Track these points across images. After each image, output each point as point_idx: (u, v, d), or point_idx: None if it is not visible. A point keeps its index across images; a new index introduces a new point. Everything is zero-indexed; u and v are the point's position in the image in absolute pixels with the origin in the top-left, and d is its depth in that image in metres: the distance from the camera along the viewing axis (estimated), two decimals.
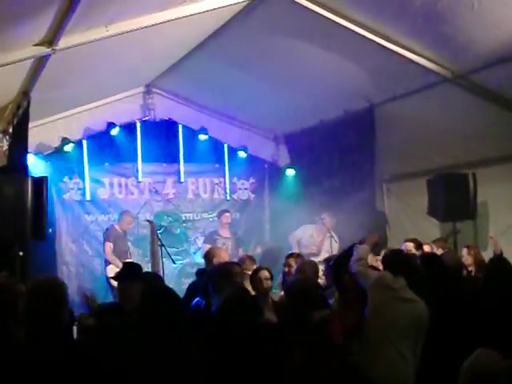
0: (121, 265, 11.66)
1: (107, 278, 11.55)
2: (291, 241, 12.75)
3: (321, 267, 8.48)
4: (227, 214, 13.46)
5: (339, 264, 6.89)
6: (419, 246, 9.59)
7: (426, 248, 9.77)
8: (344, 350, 5.49)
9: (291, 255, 9.19)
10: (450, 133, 10.71)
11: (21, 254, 8.91)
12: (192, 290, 8.17)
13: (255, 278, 7.59)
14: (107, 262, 12.29)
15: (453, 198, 10.63)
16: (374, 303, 6.08)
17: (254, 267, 8.43)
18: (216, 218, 13.84)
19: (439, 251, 9.74)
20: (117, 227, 12.80)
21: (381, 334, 5.87)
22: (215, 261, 8.78)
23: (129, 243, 13.01)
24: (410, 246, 9.50)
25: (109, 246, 12.39)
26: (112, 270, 11.39)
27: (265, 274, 7.70)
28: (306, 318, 5.35)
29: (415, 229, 11.85)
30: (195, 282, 8.64)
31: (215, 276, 6.94)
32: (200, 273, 8.85)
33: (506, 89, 9.58)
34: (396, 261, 6.50)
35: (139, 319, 5.01)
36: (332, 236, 12.33)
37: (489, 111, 9.91)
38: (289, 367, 4.94)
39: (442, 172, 11.05)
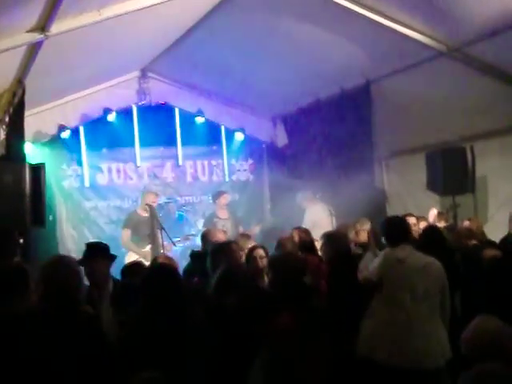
0: (141, 251, 11.72)
1: None
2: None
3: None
4: (225, 195, 13.41)
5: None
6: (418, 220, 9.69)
7: (424, 223, 9.81)
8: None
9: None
10: (448, 107, 10.68)
11: (21, 241, 8.90)
12: (188, 272, 8.20)
13: (250, 256, 7.62)
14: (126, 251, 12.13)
15: (452, 172, 10.63)
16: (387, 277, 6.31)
17: (250, 245, 8.46)
18: (212, 201, 13.77)
19: (442, 224, 9.77)
20: (139, 211, 12.57)
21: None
22: (211, 240, 8.83)
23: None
24: (412, 220, 9.55)
25: (125, 233, 12.20)
26: (130, 258, 11.20)
27: (260, 252, 7.73)
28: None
29: (415, 204, 11.87)
30: (190, 264, 8.68)
31: (212, 254, 7.00)
32: (194, 255, 8.89)
33: (502, 61, 9.56)
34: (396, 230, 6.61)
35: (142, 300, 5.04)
36: (331, 212, 12.34)
37: (485, 84, 9.88)
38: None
39: (441, 146, 11.03)
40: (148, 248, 11.83)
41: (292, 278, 5.53)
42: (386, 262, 6.45)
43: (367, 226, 10.07)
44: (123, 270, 7.48)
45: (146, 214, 12.40)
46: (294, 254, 7.37)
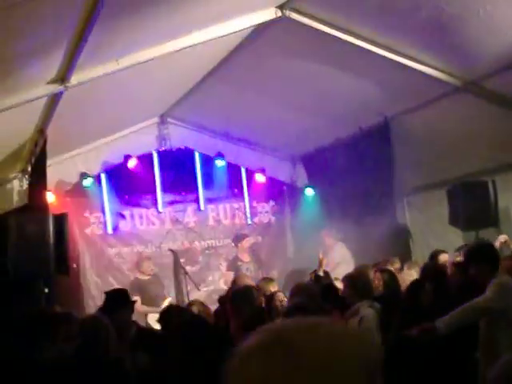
0: (158, 310, 11.72)
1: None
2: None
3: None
4: (248, 239, 13.45)
5: None
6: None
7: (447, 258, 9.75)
8: None
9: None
10: (466, 141, 10.67)
11: (46, 290, 8.97)
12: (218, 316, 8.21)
13: (271, 300, 7.65)
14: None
15: (473, 206, 10.56)
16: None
17: (272, 288, 8.45)
18: (233, 244, 13.79)
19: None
20: (140, 277, 12.74)
21: None
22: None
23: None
24: (446, 257, 9.51)
25: (136, 300, 12.29)
26: (153, 319, 11.15)
27: (280, 296, 7.80)
28: None
29: (438, 240, 11.79)
30: (219, 309, 8.69)
31: (235, 300, 7.00)
32: (222, 300, 8.91)
33: None
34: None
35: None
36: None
37: (503, 116, 9.87)
38: None
39: (461, 181, 11.00)
40: (167, 302, 11.79)
41: None
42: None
43: (397, 265, 10.05)
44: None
45: (146, 277, 12.51)
46: None
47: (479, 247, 7.11)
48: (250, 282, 9.47)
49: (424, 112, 10.91)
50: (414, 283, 7.54)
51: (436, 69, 9.62)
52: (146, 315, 11.86)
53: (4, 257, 8.69)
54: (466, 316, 6.19)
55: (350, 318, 7.51)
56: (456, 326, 6.12)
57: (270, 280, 9.65)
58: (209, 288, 12.94)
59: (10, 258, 8.70)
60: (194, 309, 8.20)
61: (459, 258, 9.62)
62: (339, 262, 12.11)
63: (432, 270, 7.86)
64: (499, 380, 3.27)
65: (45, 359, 4.69)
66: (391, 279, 8.83)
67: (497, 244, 9.79)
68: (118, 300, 7.00)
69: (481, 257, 6.59)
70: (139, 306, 12.01)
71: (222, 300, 9.02)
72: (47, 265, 8.82)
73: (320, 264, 10.69)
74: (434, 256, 9.84)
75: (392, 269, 9.67)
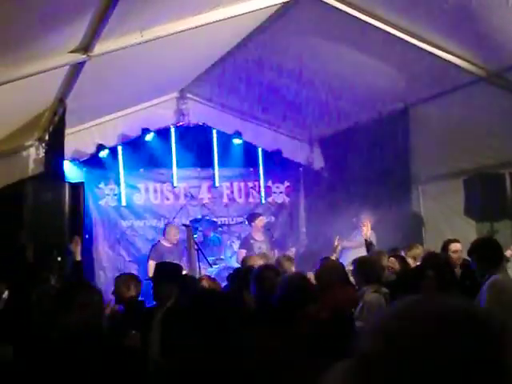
0: None
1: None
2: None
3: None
4: (261, 218, 13.46)
5: None
6: None
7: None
8: None
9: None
10: (486, 132, 10.62)
11: (59, 259, 9.00)
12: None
13: None
14: None
15: (489, 198, 10.52)
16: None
17: (293, 268, 8.46)
18: (247, 223, 13.82)
19: None
20: (163, 242, 12.80)
21: None
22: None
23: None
24: (458, 246, 9.49)
25: (151, 264, 12.35)
26: None
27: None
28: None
29: (451, 229, 11.74)
30: (226, 286, 8.72)
31: (257, 279, 7.00)
32: (232, 278, 8.94)
33: None
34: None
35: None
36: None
37: None
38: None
39: (478, 172, 10.95)
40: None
41: None
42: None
43: (419, 250, 10.04)
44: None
45: (169, 245, 12.58)
46: None
47: (481, 242, 7.11)
48: (260, 261, 9.48)
49: (444, 101, 10.84)
50: (416, 270, 7.52)
51: (459, 57, 9.54)
52: None
53: (19, 224, 8.72)
54: None
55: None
56: None
57: (289, 258, 9.69)
58: (220, 265, 12.94)
59: (25, 225, 8.73)
60: (204, 283, 8.26)
61: None
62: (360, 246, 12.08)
63: (434, 258, 7.84)
64: None
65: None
66: (403, 265, 8.88)
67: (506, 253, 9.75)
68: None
69: (480, 252, 6.60)
70: (153, 271, 12.09)
71: (230, 277, 9.07)
72: (61, 233, 8.85)
73: (334, 250, 10.77)
74: (446, 245, 9.81)
75: (416, 253, 9.72)
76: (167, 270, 7.35)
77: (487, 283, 6.22)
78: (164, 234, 12.87)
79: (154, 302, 7.12)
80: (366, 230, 10.89)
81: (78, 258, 8.89)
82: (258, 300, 6.65)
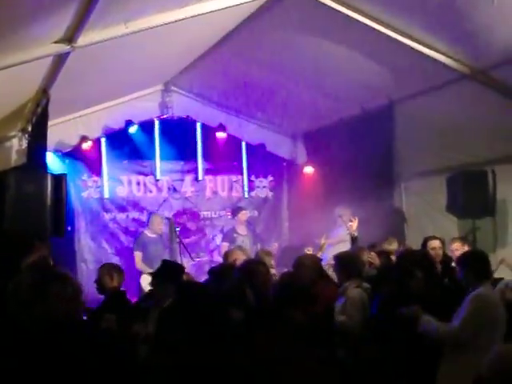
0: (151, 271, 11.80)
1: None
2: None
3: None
4: (244, 212, 13.50)
5: None
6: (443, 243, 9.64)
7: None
8: None
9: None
10: (470, 130, 10.66)
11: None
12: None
13: None
14: (140, 272, 12.18)
15: (472, 195, 10.57)
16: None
17: (272, 262, 8.47)
18: (230, 216, 13.83)
19: (465, 248, 9.62)
20: (147, 233, 12.79)
21: None
22: (236, 263, 8.87)
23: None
24: (436, 244, 9.54)
25: (137, 255, 12.37)
26: (145, 280, 11.21)
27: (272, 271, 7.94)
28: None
29: (433, 226, 11.80)
30: (208, 281, 8.70)
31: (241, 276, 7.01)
32: (213, 272, 8.92)
33: None
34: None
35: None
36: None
37: (508, 107, 9.85)
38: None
39: (461, 169, 10.99)
40: None
41: None
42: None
43: (395, 245, 10.09)
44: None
45: (153, 235, 12.57)
46: None
47: (469, 254, 7.18)
48: (242, 255, 9.48)
49: (429, 97, 10.86)
50: (404, 270, 7.55)
51: (445, 55, 9.56)
52: (140, 273, 11.94)
53: (1, 214, 8.66)
54: (440, 337, 6.30)
55: (339, 298, 7.61)
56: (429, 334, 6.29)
57: (268, 252, 9.70)
58: (202, 259, 12.94)
59: (6, 216, 8.67)
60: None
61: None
62: (342, 241, 12.11)
63: (422, 257, 7.86)
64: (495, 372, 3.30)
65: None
66: (385, 260, 8.94)
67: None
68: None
69: (468, 263, 6.64)
70: (139, 263, 12.11)
71: (211, 271, 9.06)
72: (43, 225, 8.80)
73: (320, 248, 10.82)
74: (425, 242, 9.86)
75: (389, 248, 9.77)
76: (170, 270, 7.36)
77: (471, 295, 6.26)
78: (148, 224, 12.84)
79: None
80: (354, 226, 10.92)
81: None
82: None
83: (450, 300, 6.65)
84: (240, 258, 9.11)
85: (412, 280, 6.87)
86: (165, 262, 8.11)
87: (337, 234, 12.55)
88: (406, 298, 6.62)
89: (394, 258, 9.05)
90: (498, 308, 6.28)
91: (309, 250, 10.71)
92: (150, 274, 8.17)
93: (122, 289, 8.20)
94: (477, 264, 6.55)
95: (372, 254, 9.27)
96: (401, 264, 7.50)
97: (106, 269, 8.23)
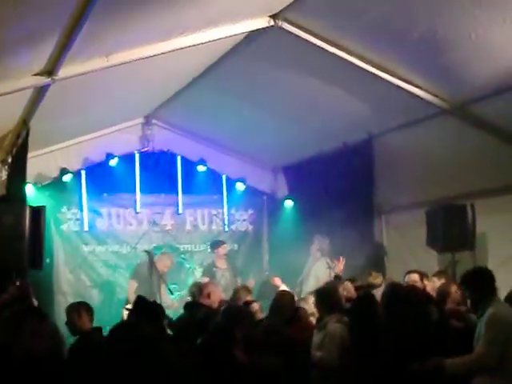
0: None
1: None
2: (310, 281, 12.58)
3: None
4: (224, 245, 13.44)
5: None
6: (422, 277, 9.62)
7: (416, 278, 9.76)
8: None
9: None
10: (449, 164, 10.73)
11: (18, 283, 8.87)
12: (185, 325, 8.18)
13: None
14: (127, 300, 12.01)
15: (451, 229, 10.60)
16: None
17: (248, 298, 8.47)
18: (210, 250, 13.77)
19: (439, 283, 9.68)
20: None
21: None
22: (212, 297, 8.86)
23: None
24: (415, 277, 9.52)
25: (131, 285, 12.21)
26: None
27: (255, 307, 7.91)
28: None
29: (414, 260, 11.81)
30: (185, 316, 8.67)
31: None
32: (189, 307, 8.91)
33: (504, 120, 9.62)
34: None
35: None
36: (329, 265, 12.20)
37: (487, 142, 9.93)
38: None
39: (441, 203, 11.04)
40: None
41: None
42: None
43: (379, 280, 10.09)
44: None
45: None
46: None
47: (473, 272, 7.13)
48: (218, 290, 9.49)
49: (409, 132, 10.95)
50: (364, 299, 7.58)
51: (424, 90, 9.66)
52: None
53: None
54: (472, 370, 6.32)
55: (318, 332, 7.60)
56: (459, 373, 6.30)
57: (247, 288, 9.70)
58: (181, 292, 12.87)
59: None
60: None
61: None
62: (316, 278, 12.10)
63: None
64: None
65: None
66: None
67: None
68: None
69: (473, 282, 6.64)
70: (131, 293, 11.95)
71: (187, 306, 9.07)
72: (21, 257, 8.72)
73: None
74: (404, 276, 9.90)
75: (374, 283, 9.77)
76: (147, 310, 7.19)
77: (487, 317, 6.27)
78: (153, 261, 12.50)
79: None
80: (340, 266, 10.98)
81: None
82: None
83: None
84: (214, 291, 9.12)
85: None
86: (140, 299, 7.72)
87: (315, 268, 12.53)
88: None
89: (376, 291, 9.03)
90: None
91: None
92: (127, 309, 8.01)
93: (97, 326, 7.99)
94: (481, 281, 6.55)
95: (347, 284, 9.30)
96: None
97: (72, 308, 8.06)
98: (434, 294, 8.79)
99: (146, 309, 7.15)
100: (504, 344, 6.12)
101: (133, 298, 11.37)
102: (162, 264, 12.56)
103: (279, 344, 6.91)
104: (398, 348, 6.36)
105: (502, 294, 8.58)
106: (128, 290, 12.23)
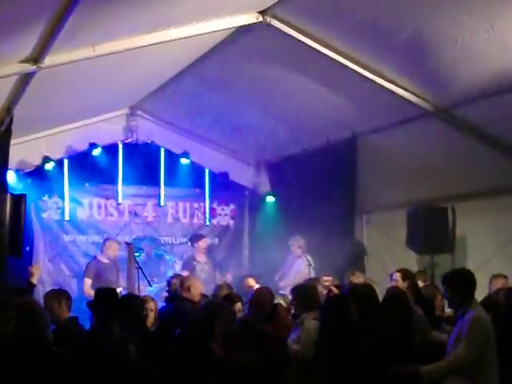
0: None
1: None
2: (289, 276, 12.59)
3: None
4: (204, 239, 13.39)
5: None
6: (406, 277, 9.59)
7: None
8: None
9: None
10: (432, 166, 10.77)
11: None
12: (167, 317, 8.18)
13: None
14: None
15: (431, 231, 10.65)
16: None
17: (239, 303, 8.46)
18: (190, 244, 13.73)
19: (420, 284, 9.71)
20: (100, 258, 12.52)
21: None
22: (192, 290, 8.86)
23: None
24: (398, 277, 9.54)
25: (87, 282, 12.13)
26: None
27: (238, 306, 7.95)
28: None
29: (393, 260, 11.82)
30: (166, 307, 8.67)
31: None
32: (170, 299, 8.92)
33: (487, 123, 9.68)
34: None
35: None
36: (308, 260, 12.21)
37: (470, 145, 10.00)
38: None
39: (422, 204, 11.08)
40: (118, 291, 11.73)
41: None
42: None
43: (361, 279, 10.09)
44: None
45: (106, 260, 12.41)
46: None
47: (457, 273, 7.14)
48: (199, 283, 9.47)
49: (393, 132, 11.01)
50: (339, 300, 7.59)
51: (409, 91, 9.73)
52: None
53: None
54: (450, 372, 6.30)
55: (295, 329, 7.62)
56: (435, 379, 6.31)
57: (229, 286, 9.75)
58: (160, 284, 12.86)
59: None
60: (151, 305, 8.14)
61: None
62: (298, 274, 12.11)
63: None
64: None
65: None
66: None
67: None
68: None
69: (454, 282, 6.66)
70: (88, 289, 11.90)
71: (169, 299, 9.08)
72: (1, 245, 8.71)
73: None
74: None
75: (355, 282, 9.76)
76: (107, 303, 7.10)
77: (470, 319, 6.28)
78: (102, 249, 12.68)
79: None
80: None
81: (35, 281, 9.26)
82: None
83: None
84: (194, 284, 9.12)
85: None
86: (98, 291, 7.56)
87: (296, 264, 12.55)
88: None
89: None
90: (491, 327, 6.31)
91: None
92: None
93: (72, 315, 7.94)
94: (464, 283, 6.58)
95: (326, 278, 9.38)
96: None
97: (53, 296, 7.86)
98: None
99: (110, 303, 7.05)
100: (484, 346, 6.17)
101: (90, 294, 11.27)
102: (112, 250, 12.55)
103: (254, 338, 6.92)
104: (378, 350, 6.37)
105: (480, 297, 8.66)
106: (84, 288, 12.02)
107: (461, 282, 6.61)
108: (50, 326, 5.36)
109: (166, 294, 9.95)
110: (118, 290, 11.23)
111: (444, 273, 7.08)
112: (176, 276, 10.57)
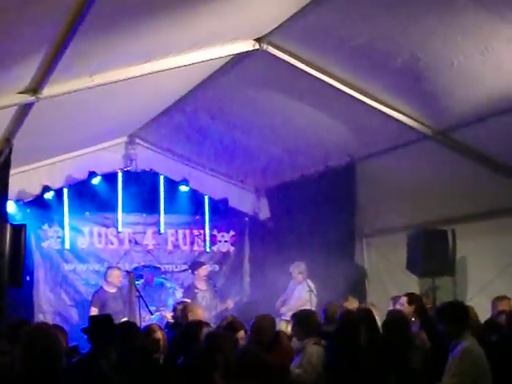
0: None
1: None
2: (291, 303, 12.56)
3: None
4: (205, 267, 13.36)
5: None
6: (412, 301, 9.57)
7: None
8: None
9: None
10: (431, 189, 10.80)
11: None
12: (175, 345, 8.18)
13: None
14: None
15: (431, 254, 10.63)
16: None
17: (241, 332, 8.42)
18: (190, 271, 13.69)
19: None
20: (106, 288, 12.46)
21: None
22: (190, 316, 8.85)
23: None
24: (404, 301, 9.52)
25: (93, 311, 12.09)
26: None
27: (241, 334, 7.95)
28: None
29: (394, 283, 11.84)
30: (169, 334, 8.67)
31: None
32: (171, 327, 8.91)
33: (484, 146, 9.73)
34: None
35: None
36: (309, 286, 12.17)
37: (468, 168, 10.02)
38: None
39: (422, 228, 11.08)
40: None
41: None
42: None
43: (355, 304, 10.08)
44: None
45: (112, 290, 12.37)
46: None
47: (450, 305, 7.15)
48: (201, 311, 9.46)
49: (391, 156, 11.03)
50: (351, 324, 7.60)
51: (407, 116, 9.77)
52: None
53: None
54: None
55: (297, 355, 7.62)
56: None
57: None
58: (162, 313, 12.82)
59: None
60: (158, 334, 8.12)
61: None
62: (299, 300, 12.09)
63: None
64: None
65: None
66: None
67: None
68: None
69: (447, 316, 6.66)
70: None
71: (173, 326, 9.06)
72: (1, 275, 8.69)
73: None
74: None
75: (350, 308, 9.74)
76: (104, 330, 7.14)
77: (460, 350, 6.28)
78: (106, 278, 12.64)
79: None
80: None
81: None
82: None
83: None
84: (193, 310, 9.11)
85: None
86: (92, 318, 7.69)
87: (298, 290, 12.52)
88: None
89: None
90: (484, 359, 6.31)
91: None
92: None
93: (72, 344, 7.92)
94: (456, 315, 6.58)
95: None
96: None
97: None
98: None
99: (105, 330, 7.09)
100: (474, 377, 6.15)
101: None
102: (115, 278, 12.51)
103: (256, 367, 6.89)
104: (380, 370, 6.38)
105: (482, 318, 8.66)
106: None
107: (453, 314, 6.64)
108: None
109: (172, 321, 9.98)
110: (124, 319, 11.24)
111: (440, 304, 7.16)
112: (181, 303, 10.57)
